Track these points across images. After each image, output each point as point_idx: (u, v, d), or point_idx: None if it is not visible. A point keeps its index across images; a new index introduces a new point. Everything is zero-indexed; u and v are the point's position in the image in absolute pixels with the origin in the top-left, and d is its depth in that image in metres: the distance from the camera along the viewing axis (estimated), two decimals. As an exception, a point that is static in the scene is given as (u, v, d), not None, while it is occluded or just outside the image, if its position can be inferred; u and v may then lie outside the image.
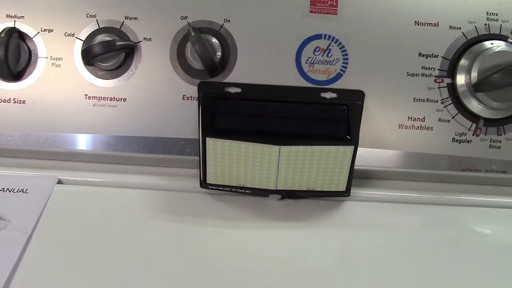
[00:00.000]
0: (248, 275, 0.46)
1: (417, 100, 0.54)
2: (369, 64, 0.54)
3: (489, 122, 0.54)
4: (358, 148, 0.50)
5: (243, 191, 0.53)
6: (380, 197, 0.55)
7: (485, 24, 0.54)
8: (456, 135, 0.54)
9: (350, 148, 0.49)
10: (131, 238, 0.49)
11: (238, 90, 0.51)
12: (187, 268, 0.47)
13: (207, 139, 0.49)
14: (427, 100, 0.54)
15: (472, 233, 0.52)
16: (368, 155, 0.55)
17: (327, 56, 0.54)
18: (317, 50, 0.54)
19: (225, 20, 0.54)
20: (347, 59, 0.54)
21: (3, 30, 0.52)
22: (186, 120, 0.54)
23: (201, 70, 0.54)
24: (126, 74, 0.54)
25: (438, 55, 0.54)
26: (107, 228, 0.50)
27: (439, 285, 0.47)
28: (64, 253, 0.47)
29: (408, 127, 0.54)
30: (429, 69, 0.54)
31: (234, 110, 0.50)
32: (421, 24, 0.54)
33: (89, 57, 0.53)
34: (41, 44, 0.54)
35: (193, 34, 0.52)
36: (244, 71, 0.54)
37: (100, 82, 0.54)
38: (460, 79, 0.54)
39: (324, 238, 0.51)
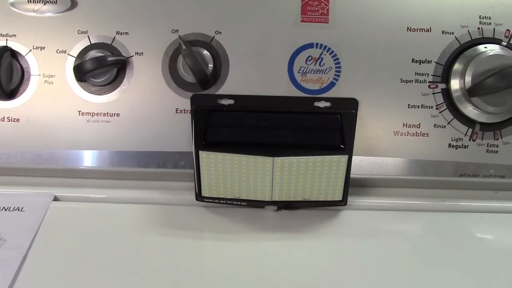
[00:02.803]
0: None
1: (411, 107, 0.54)
2: (362, 71, 0.54)
3: (485, 126, 0.54)
4: (354, 157, 0.50)
5: (238, 203, 0.53)
6: (377, 205, 0.55)
7: (478, 28, 0.54)
8: (452, 140, 0.54)
9: (344, 158, 0.49)
10: (128, 253, 0.49)
11: (231, 101, 0.51)
12: (185, 282, 0.47)
13: (200, 152, 0.49)
14: (422, 106, 0.54)
15: (472, 239, 0.52)
16: (364, 163, 0.54)
17: (320, 65, 0.54)
18: (309, 59, 0.54)
19: (216, 32, 0.54)
20: (339, 67, 0.54)
21: (-5, 49, 0.53)
22: (179, 133, 0.54)
23: (193, 83, 0.54)
24: (118, 89, 0.54)
25: (431, 61, 0.54)
26: (104, 244, 0.50)
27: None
28: (60, 271, 0.47)
29: (404, 134, 0.54)
30: (422, 75, 0.54)
31: (227, 122, 0.50)
32: (414, 30, 0.54)
33: (81, 73, 0.53)
34: (33, 62, 0.54)
35: (184, 47, 0.52)
36: (237, 83, 0.54)
37: (93, 98, 0.54)
38: (455, 84, 0.53)
39: (322, 248, 0.50)
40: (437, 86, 0.54)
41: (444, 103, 0.54)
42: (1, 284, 0.44)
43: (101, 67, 0.52)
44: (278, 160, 0.48)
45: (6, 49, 0.53)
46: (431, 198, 0.55)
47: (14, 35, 0.54)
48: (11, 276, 0.45)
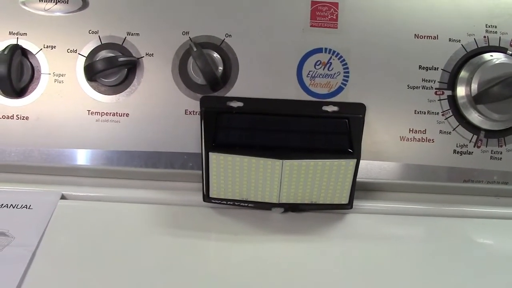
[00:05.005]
0: (252, 289, 0.46)
1: (418, 113, 0.54)
2: (369, 77, 0.54)
3: (489, 133, 0.54)
4: (361, 161, 0.51)
5: (246, 204, 0.53)
6: (382, 209, 0.55)
7: (484, 36, 0.55)
8: (457, 146, 0.55)
9: (353, 161, 0.49)
10: (135, 253, 0.49)
11: (240, 104, 0.51)
12: (191, 282, 0.47)
13: (210, 153, 0.49)
14: (428, 112, 0.54)
15: (474, 244, 0.52)
16: (370, 168, 0.55)
17: (328, 69, 0.54)
18: (318, 63, 0.54)
19: (226, 35, 0.54)
20: (348, 72, 0.54)
21: (6, 47, 0.53)
22: (188, 134, 0.54)
23: (203, 85, 0.54)
24: (128, 89, 0.55)
25: (438, 68, 0.54)
26: (111, 243, 0.50)
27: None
28: (68, 269, 0.47)
29: (410, 140, 0.54)
30: (429, 81, 0.54)
31: (236, 124, 0.50)
32: (421, 37, 0.54)
33: (92, 73, 0.53)
34: (43, 61, 0.54)
35: (194, 49, 0.53)
36: (246, 85, 0.54)
37: (102, 98, 0.55)
38: (461, 91, 0.54)
39: (328, 251, 0.51)
40: (443, 93, 0.54)
41: (450, 110, 0.54)
42: (11, 281, 0.44)
43: (112, 68, 0.53)
44: (288, 162, 0.49)
45: (17, 47, 0.54)
46: (435, 203, 0.56)
47: (25, 34, 0.54)
48: (20, 273, 0.45)
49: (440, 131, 0.54)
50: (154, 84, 0.54)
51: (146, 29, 0.54)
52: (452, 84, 0.54)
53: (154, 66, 0.54)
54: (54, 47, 0.54)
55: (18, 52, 0.54)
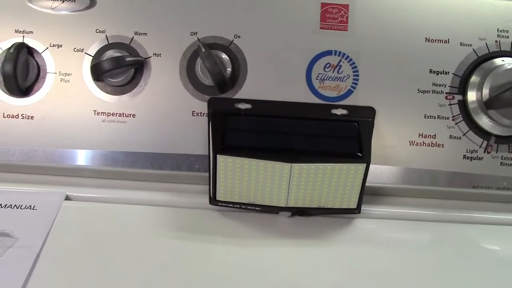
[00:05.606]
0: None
1: (428, 117, 0.54)
2: (379, 80, 0.54)
3: (500, 139, 0.54)
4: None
5: (253, 208, 0.52)
6: (391, 214, 0.54)
7: (496, 41, 0.54)
8: (467, 152, 0.54)
9: (362, 166, 0.49)
10: (140, 255, 0.48)
11: (248, 106, 0.51)
12: (196, 285, 0.46)
13: (218, 156, 0.48)
14: (438, 117, 0.54)
15: (483, 251, 0.52)
16: (379, 172, 0.54)
17: (338, 72, 0.54)
18: (327, 66, 0.54)
19: (235, 36, 0.54)
20: (357, 75, 0.54)
21: (11, 46, 0.52)
22: (195, 136, 0.53)
23: (211, 86, 0.53)
24: (135, 90, 0.54)
25: (449, 72, 0.54)
26: (116, 245, 0.49)
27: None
28: (73, 271, 0.46)
29: (419, 144, 0.54)
30: (440, 85, 0.54)
31: (244, 127, 0.50)
32: (432, 40, 0.54)
33: (99, 73, 0.52)
34: (50, 60, 0.54)
35: (203, 50, 0.52)
36: (254, 87, 0.54)
37: (109, 98, 0.54)
38: (471, 96, 0.53)
39: (335, 256, 0.50)
40: (453, 98, 0.54)
41: (460, 115, 0.54)
42: (15, 283, 0.43)
43: (119, 67, 0.52)
44: (297, 166, 0.48)
45: (23, 45, 0.53)
46: (443, 209, 0.55)
47: (31, 32, 0.54)
48: (24, 275, 0.44)
49: (450, 136, 0.54)
50: (161, 85, 0.54)
51: (154, 29, 0.54)
52: (462, 88, 0.54)
53: (161, 67, 0.54)
54: (61, 46, 0.54)
55: (24, 51, 0.53)
